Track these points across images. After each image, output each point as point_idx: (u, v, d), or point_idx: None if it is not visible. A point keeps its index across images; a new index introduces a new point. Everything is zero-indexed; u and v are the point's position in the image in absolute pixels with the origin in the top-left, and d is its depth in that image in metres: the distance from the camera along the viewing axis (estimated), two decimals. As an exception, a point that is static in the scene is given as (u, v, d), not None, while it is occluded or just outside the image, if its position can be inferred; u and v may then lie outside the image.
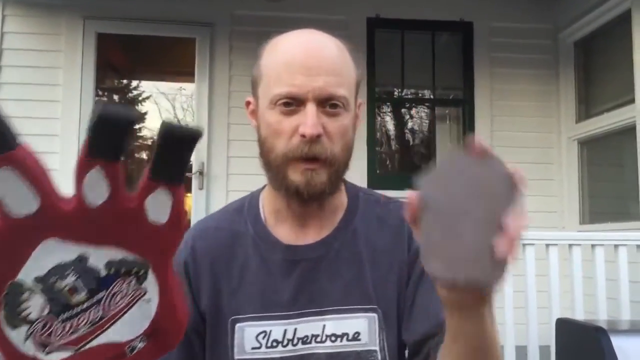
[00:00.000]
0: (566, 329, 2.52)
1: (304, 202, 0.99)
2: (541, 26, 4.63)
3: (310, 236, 1.05)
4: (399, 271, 1.04)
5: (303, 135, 0.94)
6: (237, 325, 1.01)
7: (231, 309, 1.02)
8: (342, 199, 1.09)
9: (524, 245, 2.92)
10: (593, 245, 2.95)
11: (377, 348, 1.01)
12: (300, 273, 1.02)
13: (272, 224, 1.07)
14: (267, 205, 1.08)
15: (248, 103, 1.10)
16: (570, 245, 2.96)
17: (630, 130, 3.81)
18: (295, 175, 0.96)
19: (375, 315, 1.01)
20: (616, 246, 2.95)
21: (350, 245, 1.05)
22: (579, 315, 2.85)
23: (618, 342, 2.20)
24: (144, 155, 7.80)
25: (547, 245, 2.94)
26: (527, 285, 2.88)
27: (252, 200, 1.11)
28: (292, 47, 1.00)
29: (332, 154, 0.96)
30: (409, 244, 1.05)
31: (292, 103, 0.96)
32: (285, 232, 1.06)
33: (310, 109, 0.95)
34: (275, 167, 0.98)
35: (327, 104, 0.96)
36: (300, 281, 1.02)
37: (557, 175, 4.54)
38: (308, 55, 0.97)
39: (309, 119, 0.94)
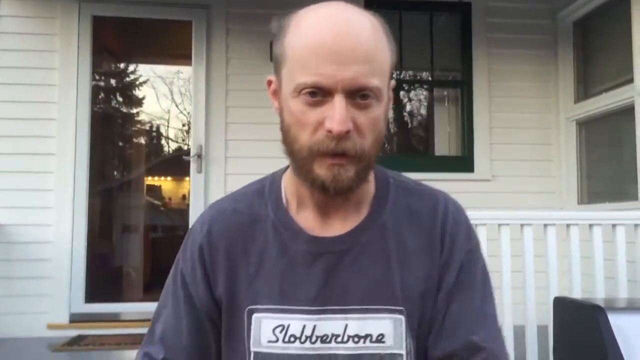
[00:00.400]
0: (564, 307, 2.53)
1: (330, 196, 0.92)
2: (540, 6, 4.60)
3: (335, 226, 0.98)
4: (429, 276, 0.97)
5: (330, 131, 0.86)
6: (254, 316, 0.95)
7: (248, 298, 0.96)
8: (369, 187, 1.00)
9: (522, 225, 2.93)
10: (591, 225, 2.95)
11: (403, 352, 0.94)
12: (323, 267, 0.95)
13: (294, 210, 1.00)
14: (289, 190, 1.01)
15: (270, 82, 0.99)
16: (568, 225, 2.97)
17: (628, 110, 3.80)
18: (321, 170, 0.89)
19: (402, 317, 0.94)
20: (614, 226, 2.96)
21: (378, 241, 0.97)
22: (577, 295, 2.86)
23: (616, 320, 2.21)
24: (142, 140, 7.77)
25: (545, 226, 2.95)
26: (525, 265, 2.89)
27: (273, 182, 1.04)
28: (320, 28, 0.88)
29: (361, 149, 0.88)
30: (441, 245, 0.98)
31: (318, 93, 0.86)
32: (308, 221, 0.99)
33: (339, 102, 0.85)
34: (300, 159, 0.91)
35: (358, 95, 0.87)
36: (323, 276, 0.95)
37: (556, 156, 4.54)
38: (338, 40, 0.86)
39: (336, 114, 0.85)
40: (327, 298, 0.94)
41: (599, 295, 2.86)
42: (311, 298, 0.94)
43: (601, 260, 2.92)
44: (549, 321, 2.74)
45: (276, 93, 0.97)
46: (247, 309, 0.96)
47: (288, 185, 1.02)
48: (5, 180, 4.03)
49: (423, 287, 0.96)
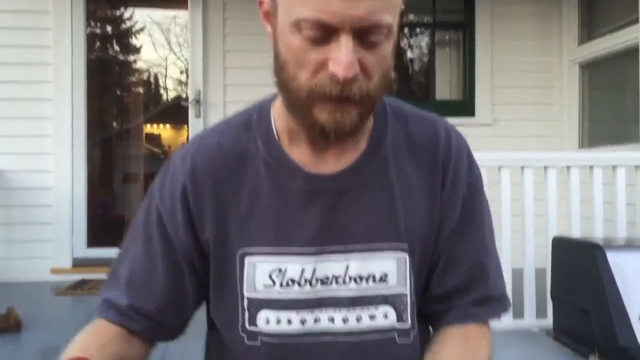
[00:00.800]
0: (562, 246, 2.55)
1: (329, 140, 0.84)
2: (544, -55, 4.47)
3: (332, 162, 0.90)
4: (431, 211, 0.92)
5: (334, 75, 0.76)
6: (248, 260, 0.88)
7: (240, 241, 0.89)
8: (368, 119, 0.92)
9: (522, 167, 2.91)
10: (591, 167, 2.94)
11: (407, 291, 0.90)
12: (322, 206, 0.89)
13: (286, 144, 0.91)
14: (280, 122, 0.92)
15: (261, 2, 0.86)
16: (568, 167, 2.96)
17: (632, 51, 3.74)
18: (322, 115, 0.79)
19: (405, 254, 0.89)
20: (614, 167, 2.94)
21: (380, 175, 0.90)
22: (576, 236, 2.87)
23: (614, 258, 2.23)
24: (140, 89, 7.69)
25: (546, 168, 2.94)
26: (525, 208, 2.89)
27: (261, 113, 0.94)
28: None
29: (366, 91, 0.79)
30: (443, 179, 0.92)
31: (322, 30, 0.75)
32: (303, 156, 0.90)
33: (346, 43, 0.74)
34: (297, 99, 0.81)
35: (367, 34, 0.76)
36: (322, 215, 0.88)
37: (558, 100, 4.49)
38: None
39: (343, 57, 0.74)
40: (326, 238, 0.88)
41: (597, 236, 2.87)
42: (309, 238, 0.88)
43: (600, 203, 2.92)
44: (547, 264, 2.76)
45: (269, 15, 0.84)
46: (239, 253, 0.89)
47: (278, 118, 0.92)
48: (3, 126, 4.01)
49: (426, 222, 0.91)
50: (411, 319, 0.91)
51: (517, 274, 2.83)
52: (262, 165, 0.90)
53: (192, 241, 0.90)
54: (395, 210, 0.90)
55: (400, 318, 0.90)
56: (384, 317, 0.90)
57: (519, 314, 2.78)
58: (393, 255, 0.89)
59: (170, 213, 0.90)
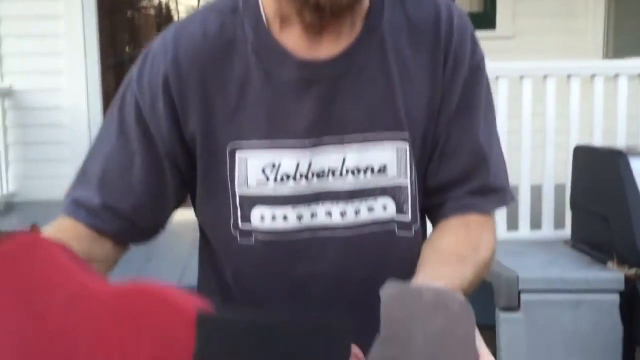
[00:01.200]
0: (584, 155, 2.50)
1: (324, 17, 0.78)
2: None
3: (326, 46, 0.84)
4: (432, 98, 0.86)
5: None
6: (238, 155, 0.84)
7: (229, 134, 0.84)
8: None
9: (544, 77, 2.82)
10: (616, 75, 2.84)
11: (407, 183, 0.85)
12: (317, 95, 0.83)
13: (276, 30, 0.84)
14: (269, 6, 0.85)
15: None
16: (592, 76, 2.86)
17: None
18: None
19: (406, 144, 0.84)
20: (640, 75, 2.85)
21: (377, 59, 0.85)
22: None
23: (636, 164, 2.18)
24: (152, 11, 7.56)
25: (569, 76, 2.84)
26: (546, 119, 2.81)
27: None
28: None
29: None
30: (444, 63, 0.86)
31: None
32: (294, 41, 0.84)
33: None
34: None
35: None
36: (316, 105, 0.83)
37: (583, 10, 4.33)
38: None
39: None
40: (321, 129, 0.83)
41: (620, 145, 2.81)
42: (303, 130, 0.83)
43: (624, 114, 2.84)
44: (567, 180, 2.71)
45: None
46: (228, 148, 0.84)
47: (267, 1, 0.85)
48: (15, 44, 3.97)
49: (427, 110, 0.86)
50: (412, 211, 0.86)
51: (536, 191, 2.79)
52: (250, 53, 0.84)
53: (175, 135, 0.84)
54: (395, 97, 0.84)
55: (400, 210, 0.86)
56: (382, 209, 0.85)
57: (536, 225, 2.76)
58: (393, 145, 0.84)
59: (151, 105, 0.84)
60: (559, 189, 2.81)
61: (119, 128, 0.86)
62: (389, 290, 0.62)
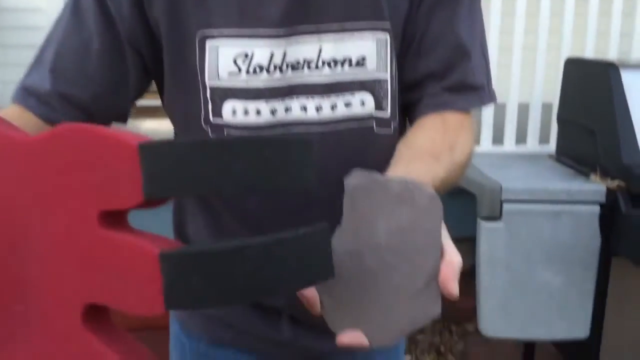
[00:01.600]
0: (575, 67, 2.45)
1: None
2: None
3: None
4: None
5: None
6: (209, 44, 0.78)
7: (198, 21, 0.78)
8: None
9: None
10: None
11: (387, 77, 0.81)
12: None
13: None
14: None
15: None
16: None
17: None
18: None
19: (387, 36, 0.80)
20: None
21: None
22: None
23: (628, 78, 2.14)
24: None
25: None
26: (539, 29, 2.73)
27: None
28: None
29: None
30: None
31: None
32: None
33: None
34: None
35: None
36: None
37: None
38: None
39: None
40: (296, 17, 0.78)
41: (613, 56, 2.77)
42: (278, 18, 0.78)
43: (618, 31, 2.77)
44: (555, 98, 2.65)
45: None
46: (198, 36, 0.78)
47: None
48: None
49: (409, 1, 0.81)
50: (391, 108, 0.83)
51: (523, 109, 2.75)
52: None
53: (138, 18, 0.79)
54: None
55: (378, 106, 0.82)
56: (360, 105, 0.82)
57: (522, 139, 2.75)
58: (373, 36, 0.80)
59: None
60: (546, 107, 2.78)
61: (75, 9, 0.80)
62: (354, 181, 0.59)
